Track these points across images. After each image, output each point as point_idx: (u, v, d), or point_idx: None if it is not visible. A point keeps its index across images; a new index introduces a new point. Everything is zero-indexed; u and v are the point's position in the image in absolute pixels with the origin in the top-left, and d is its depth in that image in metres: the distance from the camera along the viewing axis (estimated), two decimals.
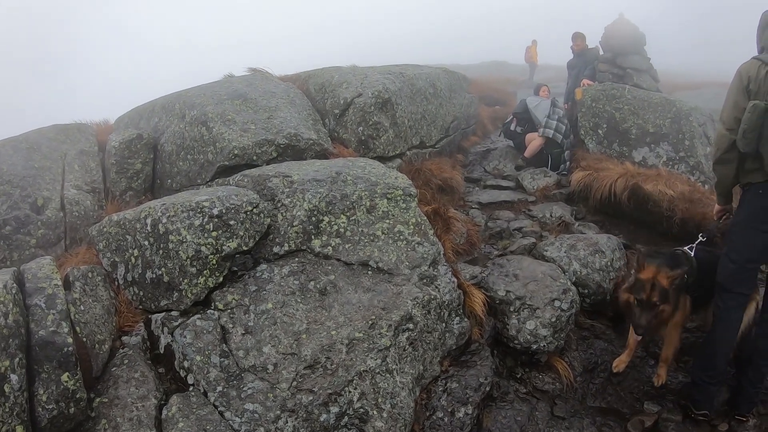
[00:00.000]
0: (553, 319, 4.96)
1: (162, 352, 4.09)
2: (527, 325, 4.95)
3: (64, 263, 4.85)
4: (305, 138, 6.49)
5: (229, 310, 4.16)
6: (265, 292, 4.31)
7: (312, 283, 4.41)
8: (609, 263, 5.80)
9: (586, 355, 5.18)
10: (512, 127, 10.22)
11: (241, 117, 6.50)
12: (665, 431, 4.43)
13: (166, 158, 6.77)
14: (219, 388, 3.72)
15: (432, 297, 4.50)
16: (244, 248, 4.44)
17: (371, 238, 4.79)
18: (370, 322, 4.11)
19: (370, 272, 4.58)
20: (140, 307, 4.43)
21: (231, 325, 4.07)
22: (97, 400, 3.62)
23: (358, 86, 7.69)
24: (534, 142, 9.66)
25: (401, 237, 4.85)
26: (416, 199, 5.25)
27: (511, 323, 5.01)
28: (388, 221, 4.91)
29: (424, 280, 4.61)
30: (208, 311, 4.16)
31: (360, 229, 4.81)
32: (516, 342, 4.95)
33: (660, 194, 7.25)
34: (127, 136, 6.71)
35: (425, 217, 5.20)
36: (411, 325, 4.25)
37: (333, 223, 4.78)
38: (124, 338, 4.16)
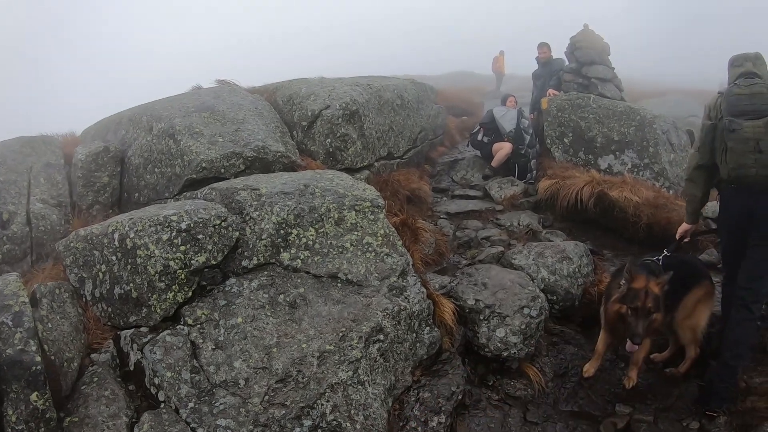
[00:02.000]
0: (523, 326, 5.02)
1: (132, 369, 4.05)
2: (497, 332, 5.00)
3: (30, 279, 4.79)
4: (273, 150, 6.48)
5: (198, 325, 4.14)
6: (234, 306, 4.29)
7: (281, 296, 4.40)
8: (577, 269, 5.89)
9: (556, 360, 5.25)
10: (479, 137, 10.29)
11: (208, 129, 6.47)
12: None
13: (134, 171, 6.70)
14: (191, 405, 3.69)
15: (402, 308, 4.53)
16: (213, 262, 4.43)
17: (340, 250, 4.80)
18: (341, 334, 4.12)
19: (339, 284, 4.59)
20: (109, 323, 4.39)
21: (201, 341, 4.04)
22: (68, 419, 3.57)
23: (326, 98, 7.70)
24: (501, 151, 9.77)
25: (370, 248, 4.87)
26: (384, 210, 5.28)
27: (481, 331, 5.05)
28: (356, 233, 4.93)
29: (394, 291, 4.63)
30: (178, 327, 4.12)
31: (329, 242, 4.82)
32: (487, 350, 4.99)
33: (625, 201, 7.41)
34: (94, 149, 6.64)
35: (393, 229, 5.24)
36: (381, 336, 4.26)
37: (301, 235, 4.78)
38: (93, 356, 4.12)
